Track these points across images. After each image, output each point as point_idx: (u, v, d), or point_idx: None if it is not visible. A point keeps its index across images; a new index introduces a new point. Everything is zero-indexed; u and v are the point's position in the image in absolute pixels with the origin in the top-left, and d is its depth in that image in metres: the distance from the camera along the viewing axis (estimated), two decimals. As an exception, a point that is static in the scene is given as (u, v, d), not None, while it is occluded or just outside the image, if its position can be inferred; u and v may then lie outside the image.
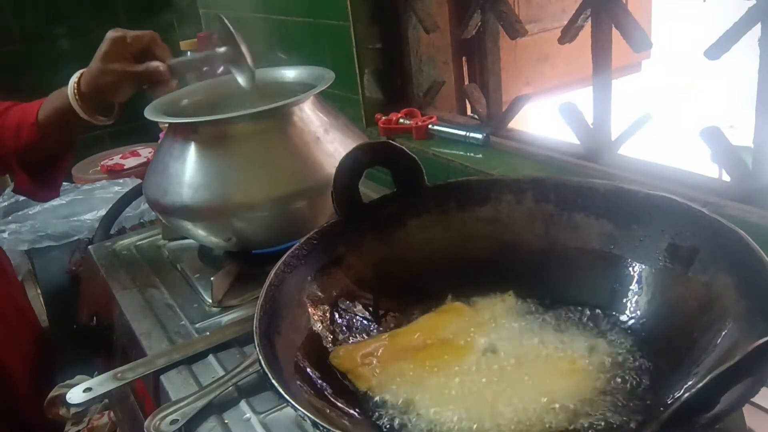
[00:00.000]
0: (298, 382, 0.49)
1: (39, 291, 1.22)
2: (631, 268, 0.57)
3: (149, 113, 0.79)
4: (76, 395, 0.63)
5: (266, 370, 0.44)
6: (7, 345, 0.98)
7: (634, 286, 0.56)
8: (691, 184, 0.72)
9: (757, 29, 0.62)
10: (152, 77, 0.81)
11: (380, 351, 0.56)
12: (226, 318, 0.75)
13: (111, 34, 0.82)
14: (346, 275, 0.61)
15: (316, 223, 0.63)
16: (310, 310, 0.57)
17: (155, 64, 0.81)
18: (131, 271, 0.88)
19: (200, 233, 0.79)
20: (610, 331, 0.55)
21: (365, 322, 0.60)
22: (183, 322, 0.75)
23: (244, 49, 0.79)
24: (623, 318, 0.56)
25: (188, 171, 0.75)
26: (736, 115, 1.95)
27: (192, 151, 0.76)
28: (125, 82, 0.82)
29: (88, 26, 1.64)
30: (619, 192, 0.58)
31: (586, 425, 0.47)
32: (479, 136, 0.96)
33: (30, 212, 1.32)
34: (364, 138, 0.83)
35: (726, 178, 0.70)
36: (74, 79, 0.84)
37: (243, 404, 0.60)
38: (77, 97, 0.83)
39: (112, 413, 0.98)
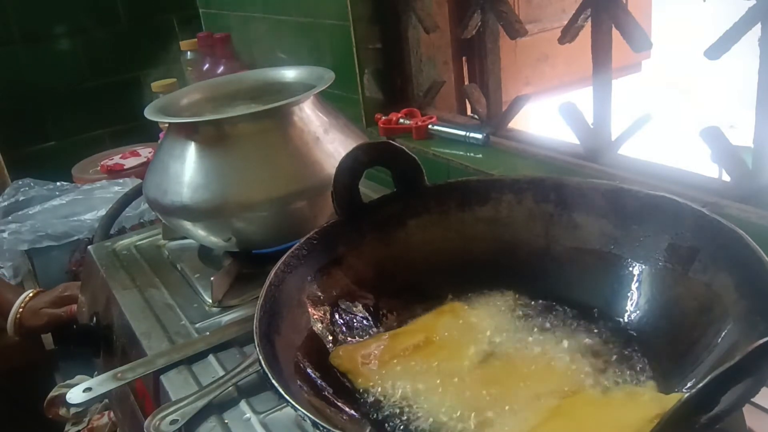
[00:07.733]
0: (298, 382, 0.49)
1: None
2: (630, 268, 0.57)
3: (149, 113, 0.79)
4: (76, 395, 0.63)
5: (266, 370, 0.44)
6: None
7: (633, 287, 0.56)
8: (691, 184, 0.72)
9: (757, 29, 0.62)
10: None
11: (380, 351, 0.56)
12: (226, 318, 0.75)
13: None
14: (346, 275, 0.61)
15: (316, 223, 0.63)
16: (310, 310, 0.57)
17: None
18: (131, 271, 0.88)
19: (200, 233, 0.79)
20: (609, 331, 0.55)
21: (365, 322, 0.60)
22: (183, 322, 0.75)
23: None
24: (623, 318, 0.56)
25: (188, 171, 0.75)
26: (736, 115, 1.95)
27: (192, 151, 0.76)
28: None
29: (88, 26, 1.64)
30: (619, 192, 0.58)
31: (586, 425, 0.47)
32: (479, 136, 0.96)
33: (30, 212, 1.32)
34: (364, 138, 0.83)
35: (726, 178, 0.70)
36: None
37: (243, 404, 0.60)
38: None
39: (112, 413, 0.98)
